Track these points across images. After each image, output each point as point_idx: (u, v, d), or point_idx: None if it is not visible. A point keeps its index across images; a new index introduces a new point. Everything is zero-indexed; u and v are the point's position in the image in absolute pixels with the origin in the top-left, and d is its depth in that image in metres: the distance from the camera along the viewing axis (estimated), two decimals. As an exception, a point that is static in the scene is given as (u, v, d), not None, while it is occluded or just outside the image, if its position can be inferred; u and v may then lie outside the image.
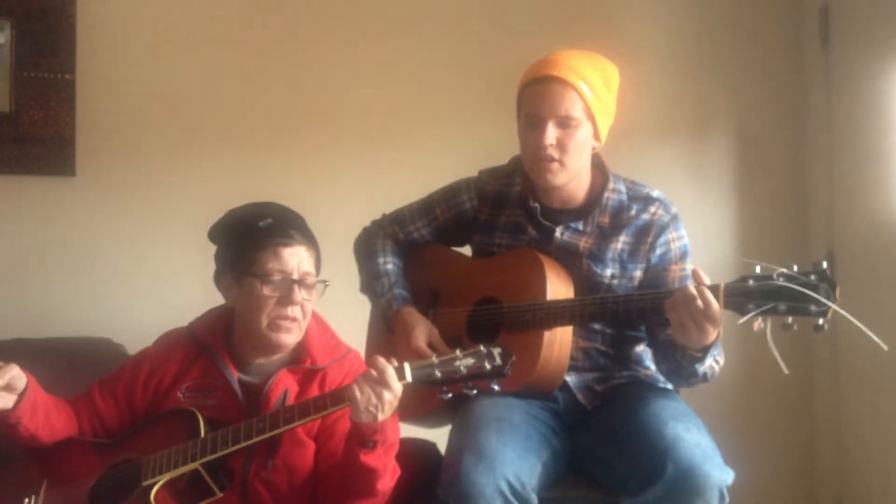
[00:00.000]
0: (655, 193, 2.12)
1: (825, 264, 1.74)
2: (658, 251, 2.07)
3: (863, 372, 2.98)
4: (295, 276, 1.91)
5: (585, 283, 2.07)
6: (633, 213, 2.09)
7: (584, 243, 2.08)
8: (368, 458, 1.77)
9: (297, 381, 1.95)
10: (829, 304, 1.70)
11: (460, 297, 2.20)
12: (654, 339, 2.09)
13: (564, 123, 2.00)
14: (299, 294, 1.90)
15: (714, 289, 1.79)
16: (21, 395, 1.81)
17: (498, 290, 2.12)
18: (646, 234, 2.07)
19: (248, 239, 1.93)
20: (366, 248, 2.32)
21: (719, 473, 1.82)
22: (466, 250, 2.31)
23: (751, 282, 1.78)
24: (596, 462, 2.02)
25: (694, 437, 1.85)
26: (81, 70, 2.83)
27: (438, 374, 1.74)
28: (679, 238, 2.10)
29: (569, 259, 2.08)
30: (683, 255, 2.09)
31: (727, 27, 3.27)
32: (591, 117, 2.03)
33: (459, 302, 2.19)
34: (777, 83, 3.28)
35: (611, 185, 2.11)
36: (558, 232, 2.09)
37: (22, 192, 2.80)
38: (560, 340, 2.01)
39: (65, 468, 1.92)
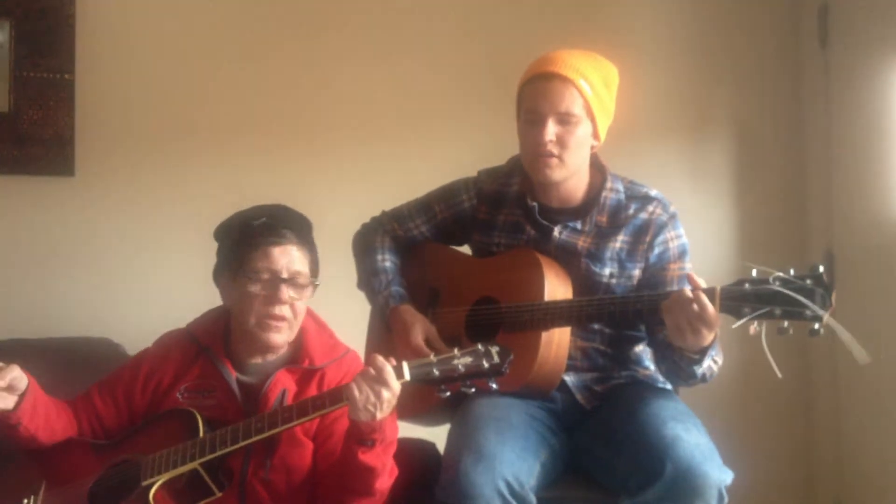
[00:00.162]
0: (653, 193, 2.13)
1: (822, 268, 1.74)
2: (656, 250, 2.08)
3: (861, 372, 2.97)
4: (284, 275, 1.91)
5: (584, 282, 2.07)
6: (631, 212, 2.09)
7: (582, 242, 2.08)
8: (367, 457, 1.77)
9: (296, 382, 1.96)
10: (822, 313, 1.70)
11: (459, 296, 2.20)
12: (654, 339, 2.09)
13: (564, 120, 2.00)
14: (286, 293, 1.90)
15: (710, 292, 1.80)
16: (22, 396, 1.81)
17: (497, 290, 2.12)
18: (644, 234, 2.08)
19: (242, 238, 1.95)
20: (364, 244, 2.32)
21: (718, 473, 1.82)
22: (466, 250, 2.31)
23: (747, 285, 1.78)
24: (595, 462, 2.02)
25: (693, 438, 1.86)
26: (81, 70, 2.83)
27: (437, 372, 1.75)
28: (677, 237, 2.10)
29: (567, 258, 2.08)
30: (682, 254, 2.10)
31: (726, 27, 3.27)
32: (590, 115, 2.03)
33: (458, 301, 2.19)
34: (776, 83, 3.28)
35: (609, 185, 2.12)
36: (556, 231, 2.09)
37: (21, 192, 2.80)
38: (558, 340, 2.01)
39: (64, 469, 1.92)
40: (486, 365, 1.75)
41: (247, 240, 1.94)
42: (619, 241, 2.08)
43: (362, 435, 1.75)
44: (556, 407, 2.09)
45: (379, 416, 1.73)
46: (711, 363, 1.94)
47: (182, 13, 2.93)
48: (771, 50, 3.29)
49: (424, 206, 2.29)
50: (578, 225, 2.09)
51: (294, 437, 1.88)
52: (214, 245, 2.03)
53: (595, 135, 2.07)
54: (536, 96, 2.03)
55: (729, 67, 3.26)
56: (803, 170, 3.28)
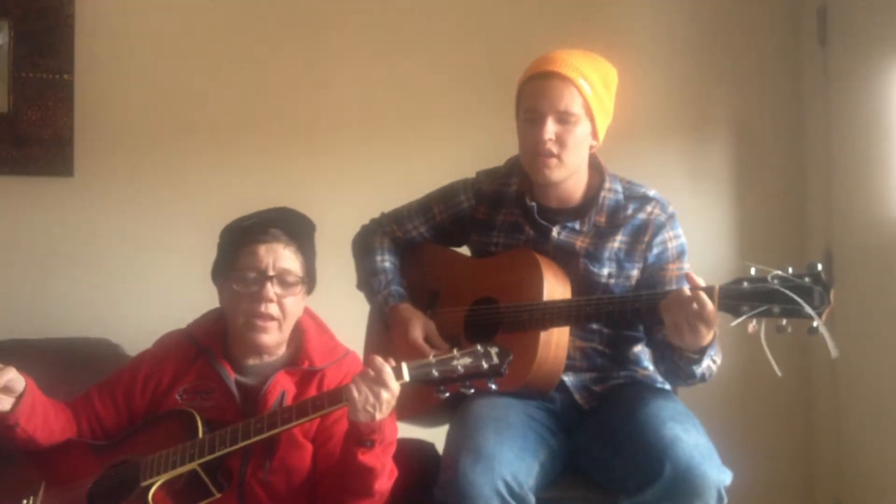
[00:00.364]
0: (652, 193, 2.13)
1: (820, 266, 1.74)
2: (655, 250, 2.08)
3: (861, 371, 2.98)
4: (270, 273, 1.91)
5: (582, 282, 2.07)
6: (629, 212, 2.09)
7: (580, 243, 2.08)
8: (366, 458, 1.77)
9: (295, 383, 1.95)
10: (816, 316, 1.70)
11: (458, 297, 2.20)
12: (652, 339, 2.09)
13: (564, 119, 2.01)
14: (271, 290, 1.90)
15: (709, 291, 1.80)
16: (19, 398, 1.82)
17: (496, 291, 2.12)
18: (642, 234, 2.08)
19: (232, 238, 1.97)
20: (363, 245, 2.32)
21: (717, 474, 1.82)
22: (465, 251, 2.31)
23: (745, 284, 1.78)
24: (594, 462, 2.02)
25: (692, 438, 1.86)
26: (80, 71, 2.83)
27: (436, 373, 1.75)
28: (676, 237, 2.10)
29: (566, 258, 2.08)
30: (681, 255, 2.10)
31: (725, 27, 3.26)
32: (589, 114, 2.03)
33: (457, 302, 2.19)
34: (775, 83, 3.28)
35: (607, 185, 2.12)
36: (555, 231, 2.09)
37: (20, 192, 2.80)
38: (557, 340, 2.01)
39: (63, 469, 1.92)
40: (485, 366, 1.75)
41: (236, 240, 1.95)
42: (618, 242, 2.08)
43: (361, 436, 1.75)
44: (554, 407, 2.09)
45: (378, 416, 1.73)
46: (710, 363, 1.94)
47: (182, 13, 2.93)
48: (770, 50, 3.29)
49: (423, 208, 2.29)
50: (577, 225, 2.09)
51: (293, 438, 1.88)
52: (214, 245, 2.03)
53: (594, 134, 2.07)
54: (536, 95, 2.03)
55: (728, 67, 3.26)
56: (803, 170, 3.28)
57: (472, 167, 2.28)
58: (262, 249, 1.92)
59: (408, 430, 2.12)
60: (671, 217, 2.10)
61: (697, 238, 2.47)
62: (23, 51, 2.78)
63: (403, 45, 3.07)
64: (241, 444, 1.78)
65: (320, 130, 3.02)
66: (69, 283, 2.82)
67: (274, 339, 1.94)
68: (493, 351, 1.76)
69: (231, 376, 1.94)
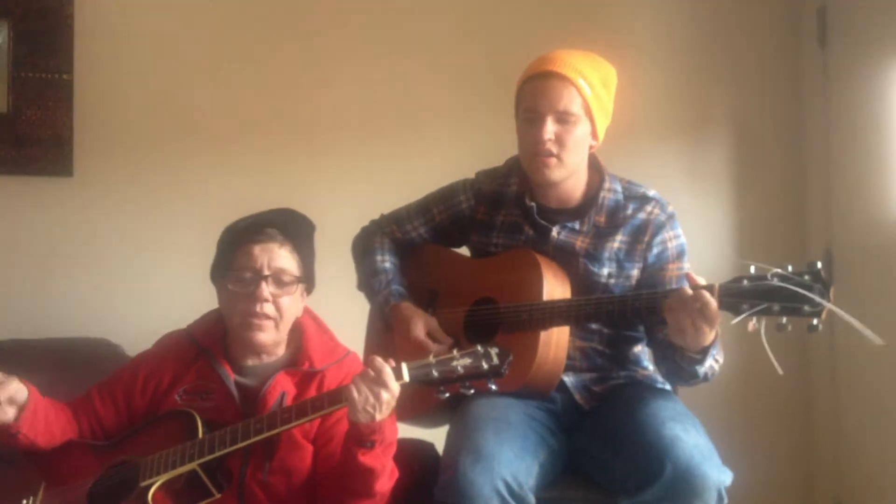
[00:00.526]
0: (651, 193, 2.13)
1: (819, 264, 1.74)
2: (655, 250, 2.08)
3: (860, 371, 2.98)
4: (265, 272, 1.91)
5: (582, 282, 2.07)
6: (629, 212, 2.09)
7: (580, 243, 2.08)
8: (366, 458, 1.77)
9: (295, 384, 1.95)
10: (824, 303, 1.70)
11: (458, 297, 2.20)
12: (653, 339, 2.09)
13: (563, 119, 2.01)
14: (266, 290, 1.90)
15: (709, 289, 1.80)
16: (22, 408, 1.82)
17: (495, 291, 2.12)
18: (642, 234, 2.08)
19: (230, 239, 1.97)
20: (363, 246, 2.32)
21: (717, 474, 1.82)
22: (465, 251, 2.31)
23: (745, 282, 1.78)
24: (594, 462, 2.02)
25: (692, 438, 1.86)
26: (79, 71, 2.83)
27: (436, 373, 1.74)
28: (676, 237, 2.10)
29: (565, 258, 2.08)
30: (681, 254, 2.10)
31: (725, 27, 3.27)
32: (589, 114, 2.03)
33: (457, 302, 2.19)
34: (775, 83, 3.28)
35: (607, 185, 2.12)
36: (555, 231, 2.09)
37: (19, 192, 2.80)
38: (556, 340, 2.01)
39: (63, 469, 1.92)
40: (485, 366, 1.75)
41: (233, 240, 1.96)
42: (618, 242, 2.08)
43: (362, 436, 1.75)
44: (554, 407, 2.09)
45: (378, 417, 1.73)
46: (713, 362, 1.94)
47: (182, 13, 2.93)
48: (770, 50, 3.29)
49: (423, 209, 2.29)
50: (577, 225, 2.09)
51: (293, 439, 1.87)
52: (214, 245, 2.03)
53: (593, 134, 2.07)
54: (535, 95, 2.03)
55: (728, 67, 3.26)
56: (802, 170, 3.29)
57: (472, 167, 2.28)
58: (258, 249, 1.92)
59: (408, 431, 2.12)
60: (671, 217, 2.10)
61: (697, 238, 2.47)
62: (22, 51, 2.78)
63: (403, 45, 3.07)
64: (241, 445, 1.78)
65: (320, 130, 3.02)
66: (69, 283, 2.82)
67: (270, 338, 1.93)
68: (493, 351, 1.76)
69: (231, 377, 1.94)
